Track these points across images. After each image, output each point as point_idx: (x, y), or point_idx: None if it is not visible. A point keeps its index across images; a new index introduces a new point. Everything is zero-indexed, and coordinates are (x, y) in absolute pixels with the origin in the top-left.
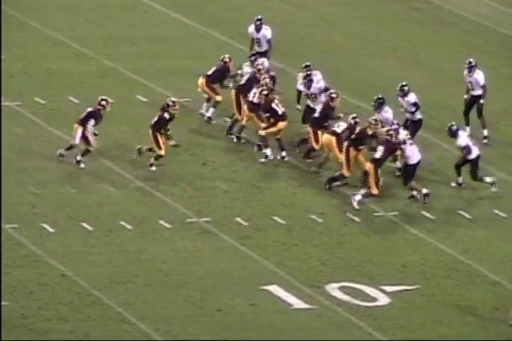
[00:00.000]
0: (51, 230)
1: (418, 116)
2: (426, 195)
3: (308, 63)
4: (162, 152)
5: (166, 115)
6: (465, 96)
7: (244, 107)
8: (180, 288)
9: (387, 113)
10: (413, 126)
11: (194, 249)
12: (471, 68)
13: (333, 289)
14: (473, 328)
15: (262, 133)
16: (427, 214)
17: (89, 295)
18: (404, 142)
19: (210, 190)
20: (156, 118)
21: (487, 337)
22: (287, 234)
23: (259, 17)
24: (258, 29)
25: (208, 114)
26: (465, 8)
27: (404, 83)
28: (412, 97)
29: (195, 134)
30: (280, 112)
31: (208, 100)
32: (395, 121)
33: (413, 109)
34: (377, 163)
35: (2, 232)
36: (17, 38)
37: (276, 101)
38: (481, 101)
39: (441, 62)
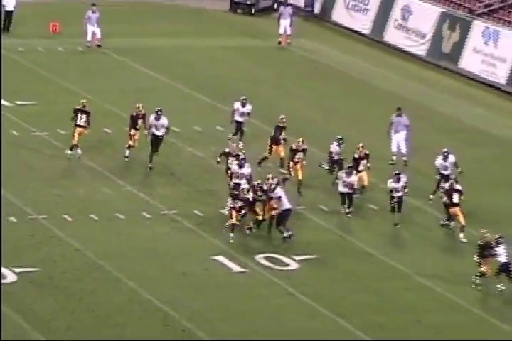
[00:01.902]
0: (69, 219)
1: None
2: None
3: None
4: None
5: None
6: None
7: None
8: (157, 259)
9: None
10: None
11: (166, 232)
12: None
13: (260, 258)
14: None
15: None
16: (325, 208)
17: (95, 264)
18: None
19: (176, 193)
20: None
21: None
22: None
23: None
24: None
25: None
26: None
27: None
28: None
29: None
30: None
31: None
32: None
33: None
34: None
35: (3, 229)
36: (45, 90)
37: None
38: None
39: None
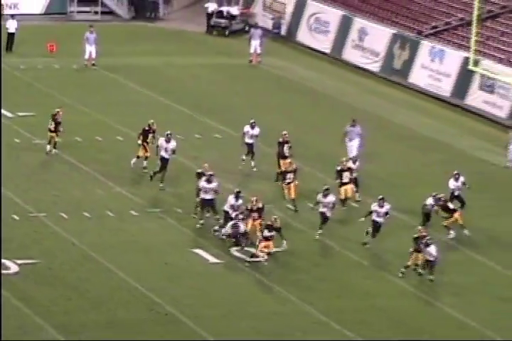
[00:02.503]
0: (66, 217)
1: None
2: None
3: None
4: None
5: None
6: None
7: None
8: (143, 251)
9: None
10: None
11: (151, 227)
12: None
13: (234, 251)
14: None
15: None
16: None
17: (89, 256)
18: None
19: (160, 193)
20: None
21: None
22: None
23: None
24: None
25: None
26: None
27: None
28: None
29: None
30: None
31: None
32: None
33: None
34: None
35: (2, 232)
36: (43, 103)
37: None
38: None
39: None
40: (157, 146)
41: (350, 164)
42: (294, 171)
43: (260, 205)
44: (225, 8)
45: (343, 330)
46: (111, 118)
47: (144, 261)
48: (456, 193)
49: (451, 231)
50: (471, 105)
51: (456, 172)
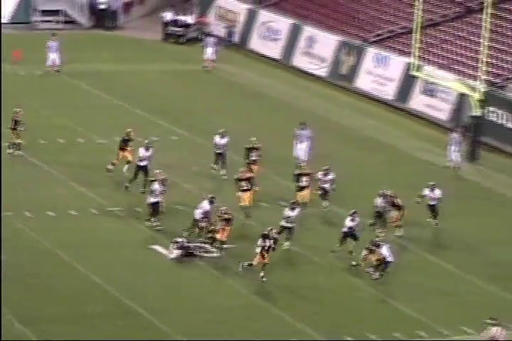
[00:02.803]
0: (31, 216)
1: None
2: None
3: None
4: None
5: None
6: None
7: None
8: (104, 248)
9: None
10: None
11: (111, 226)
12: None
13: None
14: None
15: None
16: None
17: (52, 252)
18: None
19: (119, 192)
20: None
21: None
22: (173, 218)
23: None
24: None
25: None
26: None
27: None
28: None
29: None
30: None
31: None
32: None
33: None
34: None
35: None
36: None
37: None
38: None
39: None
40: (140, 160)
41: (308, 170)
42: (249, 179)
43: (226, 216)
44: (180, 17)
45: (294, 322)
46: (73, 122)
47: (104, 257)
48: (430, 203)
49: (400, 229)
50: (413, 108)
51: (432, 183)
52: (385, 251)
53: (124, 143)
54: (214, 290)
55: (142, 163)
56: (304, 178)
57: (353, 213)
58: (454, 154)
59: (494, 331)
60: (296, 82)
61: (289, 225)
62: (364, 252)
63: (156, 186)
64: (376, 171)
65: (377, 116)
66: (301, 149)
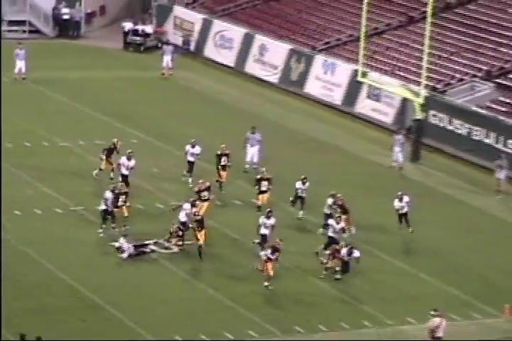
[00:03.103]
0: (20, 214)
1: None
2: None
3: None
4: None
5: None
6: None
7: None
8: (67, 245)
9: None
10: None
11: (74, 223)
12: None
13: (149, 244)
14: None
15: None
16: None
17: (20, 250)
18: None
19: (81, 192)
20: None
21: None
22: (134, 217)
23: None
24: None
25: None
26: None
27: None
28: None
29: None
30: None
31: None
32: None
33: None
34: None
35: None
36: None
37: None
38: None
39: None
40: (118, 164)
41: (269, 175)
42: (208, 188)
43: (199, 217)
44: (140, 27)
45: (246, 313)
46: (38, 126)
47: (68, 254)
48: (400, 212)
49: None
50: (360, 112)
51: (400, 193)
52: (357, 254)
53: (110, 152)
54: (172, 283)
55: (125, 172)
56: (265, 183)
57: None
58: (398, 155)
59: (437, 321)
60: (249, 88)
61: (266, 232)
62: (327, 255)
63: (108, 194)
64: (326, 171)
65: (326, 120)
66: (252, 152)
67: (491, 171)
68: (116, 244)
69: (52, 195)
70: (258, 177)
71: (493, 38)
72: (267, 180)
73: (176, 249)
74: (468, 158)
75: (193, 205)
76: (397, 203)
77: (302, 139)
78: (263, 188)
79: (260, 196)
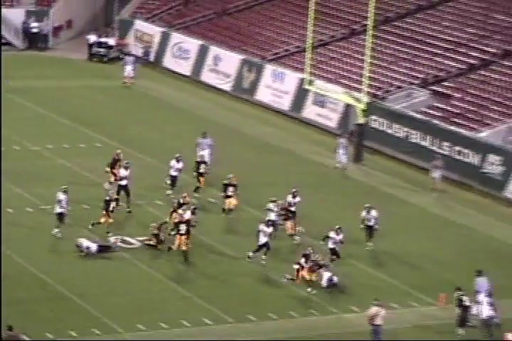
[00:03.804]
0: None
1: None
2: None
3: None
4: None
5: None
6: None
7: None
8: (37, 241)
9: None
10: None
11: (43, 221)
12: None
13: (112, 238)
14: None
15: None
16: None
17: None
18: None
19: (50, 192)
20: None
21: None
22: (94, 213)
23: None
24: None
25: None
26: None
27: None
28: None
29: None
30: None
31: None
32: None
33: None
34: None
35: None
36: None
37: None
38: None
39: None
40: (116, 175)
41: (235, 182)
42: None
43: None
44: (103, 40)
45: (203, 304)
46: (9, 132)
47: (37, 249)
48: (366, 224)
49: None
50: (306, 117)
51: (367, 205)
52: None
53: (113, 164)
54: (135, 276)
55: (123, 183)
56: (231, 188)
57: (339, 228)
58: (342, 156)
59: (375, 310)
60: (205, 95)
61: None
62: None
63: (62, 196)
64: (275, 172)
65: (275, 125)
66: (204, 156)
67: (428, 171)
68: (84, 244)
69: (23, 195)
70: (225, 182)
71: (428, 49)
72: (234, 185)
73: (137, 244)
74: (407, 159)
75: (193, 213)
76: (364, 214)
77: (254, 143)
78: (229, 193)
79: (227, 200)
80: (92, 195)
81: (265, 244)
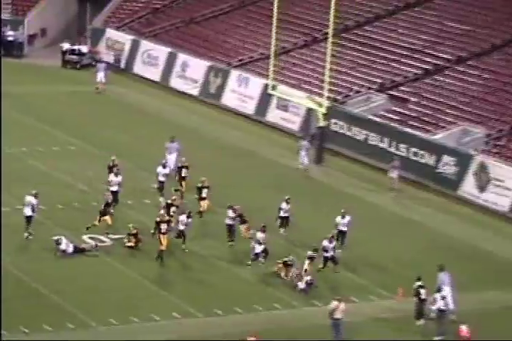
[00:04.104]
0: None
1: None
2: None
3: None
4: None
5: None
6: None
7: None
8: (17, 240)
9: None
10: None
11: (20, 221)
12: None
13: (87, 238)
14: None
15: None
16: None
17: None
18: None
19: (24, 195)
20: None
21: None
22: (76, 215)
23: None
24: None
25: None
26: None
27: None
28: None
29: None
30: None
31: None
32: None
33: None
34: None
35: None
36: None
37: None
38: None
39: None
40: (108, 181)
41: (207, 184)
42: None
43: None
44: (76, 47)
45: (173, 299)
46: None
47: (14, 248)
48: (339, 229)
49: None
50: (270, 121)
51: (343, 210)
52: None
53: (110, 170)
54: (108, 273)
55: (113, 188)
56: (204, 190)
57: (332, 237)
58: (304, 158)
59: (335, 304)
60: (173, 100)
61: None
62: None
63: (34, 201)
64: (241, 174)
65: (240, 128)
66: (171, 159)
67: (386, 171)
68: (61, 246)
69: (9, 200)
70: (199, 185)
71: (385, 55)
72: (207, 188)
73: (109, 242)
74: (366, 160)
75: (189, 216)
76: (338, 219)
77: (220, 145)
78: (203, 195)
79: (201, 202)
80: (66, 195)
81: (263, 251)
